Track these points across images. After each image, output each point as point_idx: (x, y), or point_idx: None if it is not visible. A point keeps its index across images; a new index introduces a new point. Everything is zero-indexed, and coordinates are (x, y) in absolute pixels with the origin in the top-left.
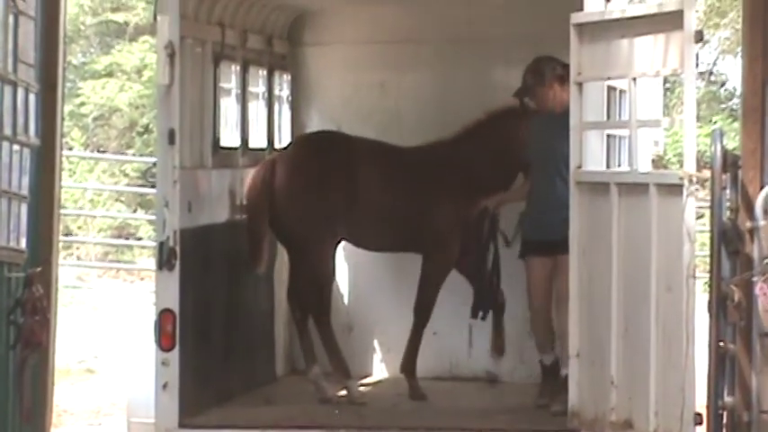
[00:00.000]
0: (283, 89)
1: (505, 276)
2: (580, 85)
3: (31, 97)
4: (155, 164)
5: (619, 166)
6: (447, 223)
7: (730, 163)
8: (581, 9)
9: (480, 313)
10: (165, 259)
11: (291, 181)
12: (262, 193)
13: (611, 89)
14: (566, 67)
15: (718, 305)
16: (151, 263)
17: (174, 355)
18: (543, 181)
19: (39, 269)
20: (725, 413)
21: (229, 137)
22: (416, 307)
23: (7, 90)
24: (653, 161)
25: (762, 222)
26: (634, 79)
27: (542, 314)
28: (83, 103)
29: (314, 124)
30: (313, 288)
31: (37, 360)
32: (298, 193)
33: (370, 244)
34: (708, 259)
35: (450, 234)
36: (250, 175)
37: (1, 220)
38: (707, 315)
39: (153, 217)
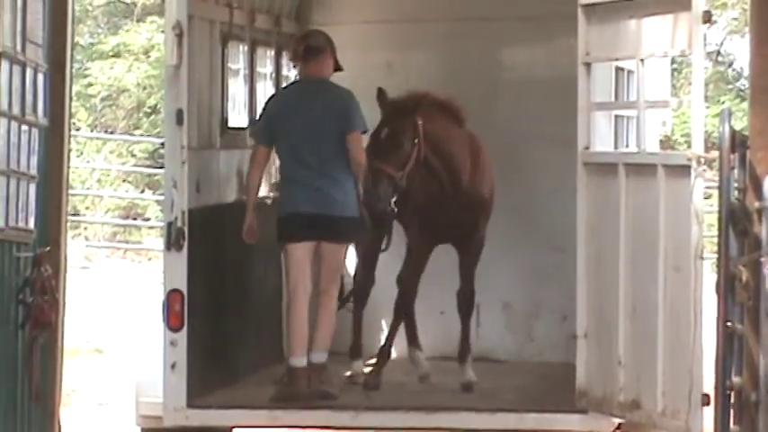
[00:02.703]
0: (291, 69)
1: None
2: (588, 65)
3: (40, 77)
4: (162, 144)
5: (627, 146)
6: None
7: (738, 143)
8: None
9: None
10: (173, 239)
11: None
12: None
13: (618, 70)
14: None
15: (726, 285)
16: (159, 243)
17: (183, 335)
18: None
19: (47, 249)
20: (732, 393)
21: (237, 117)
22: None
23: (16, 70)
24: (661, 142)
25: None
26: (642, 60)
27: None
28: (90, 84)
29: None
30: None
31: (46, 340)
32: None
33: None
34: (716, 240)
35: None
36: None
37: (10, 199)
38: (715, 295)
39: (161, 197)
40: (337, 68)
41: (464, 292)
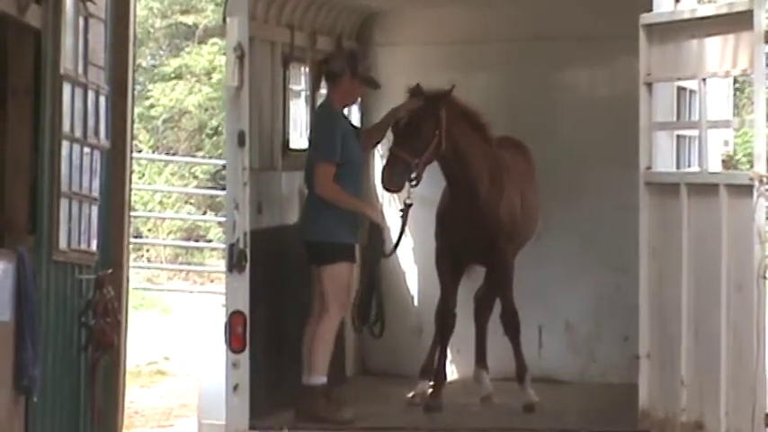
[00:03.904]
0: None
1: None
2: (649, 85)
3: (102, 99)
4: (224, 166)
5: (689, 166)
6: None
7: None
8: (650, 9)
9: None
10: (235, 261)
11: None
12: None
13: (680, 89)
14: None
15: None
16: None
17: (245, 357)
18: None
19: (110, 271)
20: None
21: (299, 139)
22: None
23: (78, 92)
24: (723, 161)
25: None
26: (704, 79)
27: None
28: (152, 106)
29: None
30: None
31: (108, 362)
32: None
33: None
34: None
35: None
36: None
37: (72, 222)
38: None
39: (223, 219)
40: (370, 85)
41: (505, 313)
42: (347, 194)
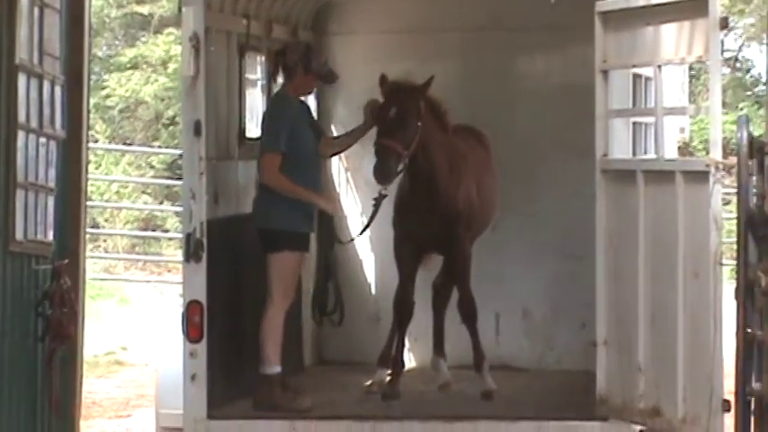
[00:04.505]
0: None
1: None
2: (605, 72)
3: (57, 90)
4: (181, 155)
5: (645, 153)
6: None
7: (756, 149)
8: None
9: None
10: (192, 251)
11: None
12: None
13: (636, 77)
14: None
15: (746, 291)
16: (178, 254)
17: (202, 347)
18: None
19: (66, 261)
20: (753, 399)
21: (255, 128)
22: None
23: (33, 83)
24: (679, 148)
25: None
26: (659, 67)
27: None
28: (108, 96)
29: (339, 113)
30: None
31: (65, 352)
32: None
33: None
34: (735, 246)
35: None
36: None
37: (28, 212)
38: (734, 301)
39: (179, 209)
40: (325, 80)
41: (462, 302)
42: (291, 183)
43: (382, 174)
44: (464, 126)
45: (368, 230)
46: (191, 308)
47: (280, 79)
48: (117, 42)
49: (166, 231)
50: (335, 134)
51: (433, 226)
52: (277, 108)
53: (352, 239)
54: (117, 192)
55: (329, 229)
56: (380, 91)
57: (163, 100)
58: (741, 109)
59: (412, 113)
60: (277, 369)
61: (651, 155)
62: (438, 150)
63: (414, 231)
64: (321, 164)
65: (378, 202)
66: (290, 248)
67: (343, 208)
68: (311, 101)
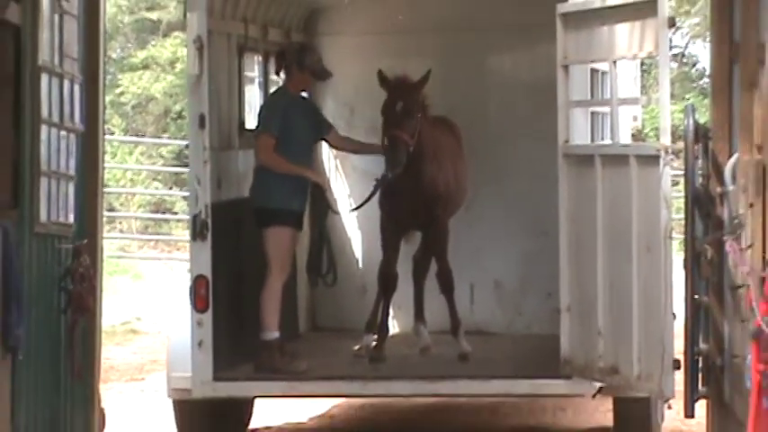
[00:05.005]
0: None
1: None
2: (566, 67)
3: (76, 88)
4: (187, 146)
5: (602, 140)
6: None
7: (701, 135)
8: (565, 0)
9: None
10: (198, 230)
11: None
12: None
13: (593, 71)
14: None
15: (693, 262)
16: (186, 234)
17: (208, 316)
18: None
19: (85, 241)
20: (700, 358)
21: (253, 120)
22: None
23: (54, 82)
24: (632, 135)
25: (730, 187)
26: (614, 62)
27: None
28: (122, 93)
29: (329, 107)
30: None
31: (85, 323)
32: None
33: None
34: (683, 222)
35: None
36: None
37: (51, 198)
38: (683, 271)
39: (187, 193)
40: (318, 77)
41: (440, 273)
42: (285, 161)
43: (394, 162)
44: (439, 117)
45: (355, 212)
46: (197, 282)
47: (272, 76)
48: (129, 45)
49: (175, 214)
50: None
51: (416, 206)
52: (271, 100)
53: (356, 208)
54: (131, 179)
55: (320, 198)
56: (380, 85)
57: (171, 96)
58: (688, 99)
59: (415, 106)
60: (275, 335)
61: (608, 141)
62: (424, 140)
63: (399, 211)
64: (313, 149)
65: (379, 183)
66: (284, 224)
67: (332, 187)
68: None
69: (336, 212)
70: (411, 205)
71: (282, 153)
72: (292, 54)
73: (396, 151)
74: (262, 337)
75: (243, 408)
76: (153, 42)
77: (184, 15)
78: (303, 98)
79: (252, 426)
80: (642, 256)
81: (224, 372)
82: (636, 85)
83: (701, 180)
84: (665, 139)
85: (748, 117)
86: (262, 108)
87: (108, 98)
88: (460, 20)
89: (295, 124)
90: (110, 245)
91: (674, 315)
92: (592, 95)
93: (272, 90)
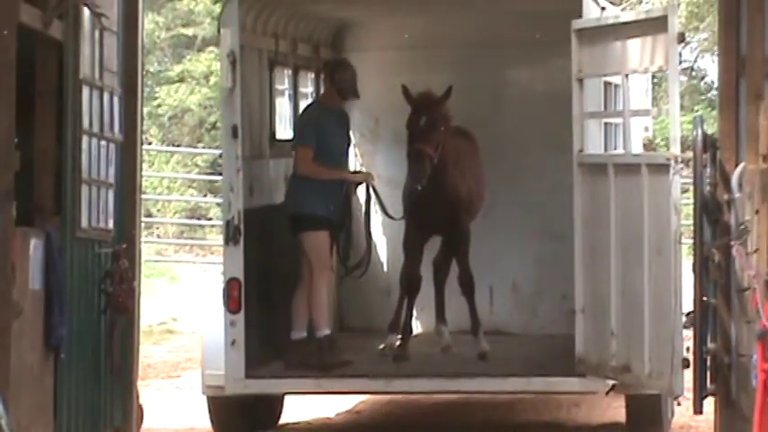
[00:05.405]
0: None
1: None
2: (581, 81)
3: (115, 100)
4: (221, 155)
5: (615, 149)
6: None
7: (709, 145)
8: (580, 16)
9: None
10: (231, 235)
11: None
12: None
13: (607, 84)
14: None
15: (702, 266)
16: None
17: (241, 317)
18: None
19: (124, 245)
20: (709, 357)
21: (283, 131)
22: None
23: (95, 94)
24: (644, 145)
25: (737, 194)
26: (626, 75)
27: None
28: (159, 105)
29: (355, 118)
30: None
31: (124, 323)
32: None
33: None
34: (692, 227)
35: None
36: None
37: (92, 204)
38: (692, 274)
39: (220, 200)
40: (344, 95)
41: (462, 276)
42: (324, 168)
43: (420, 174)
44: (457, 127)
45: (379, 217)
46: (230, 284)
47: (301, 88)
48: (166, 59)
49: (209, 219)
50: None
51: (440, 212)
52: (305, 113)
53: (401, 218)
54: (167, 186)
55: (372, 203)
56: (405, 99)
57: (205, 108)
58: (696, 111)
59: (439, 121)
60: (327, 332)
61: (620, 150)
62: (447, 149)
63: (424, 217)
64: (347, 158)
65: (412, 195)
66: (318, 228)
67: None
68: None
69: (391, 217)
70: (435, 211)
71: (320, 162)
72: (328, 69)
73: (421, 164)
74: (315, 335)
75: (273, 404)
76: (188, 57)
77: (218, 31)
78: (337, 109)
79: (282, 421)
80: (653, 259)
81: (255, 369)
82: (647, 98)
83: (709, 188)
84: (675, 149)
85: (754, 128)
86: (297, 123)
87: (146, 110)
88: (479, 36)
89: (330, 133)
90: (147, 249)
91: (684, 315)
92: (605, 107)
93: (301, 102)
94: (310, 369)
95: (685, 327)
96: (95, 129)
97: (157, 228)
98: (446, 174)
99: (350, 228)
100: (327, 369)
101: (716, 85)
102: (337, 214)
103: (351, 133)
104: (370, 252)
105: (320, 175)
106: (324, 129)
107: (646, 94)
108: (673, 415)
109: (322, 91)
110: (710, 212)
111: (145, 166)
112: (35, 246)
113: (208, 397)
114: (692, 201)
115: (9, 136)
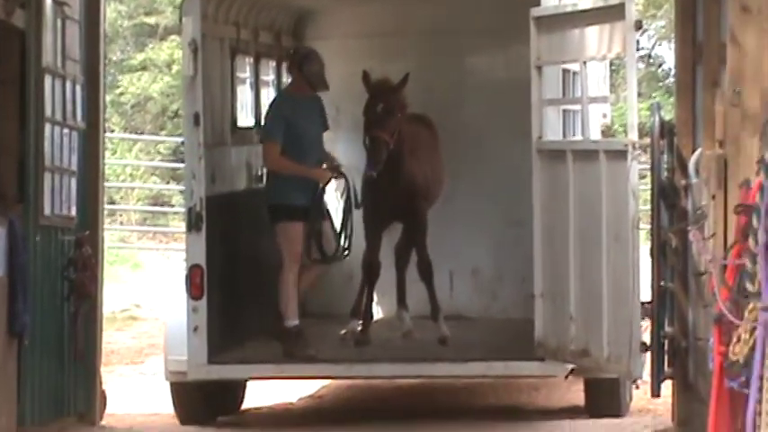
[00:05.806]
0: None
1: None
2: (539, 68)
3: (78, 88)
4: (183, 143)
5: (573, 135)
6: None
7: (667, 131)
8: (538, 4)
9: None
10: (193, 222)
11: None
12: None
13: (565, 71)
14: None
15: (659, 250)
16: (182, 226)
17: (203, 303)
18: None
19: (87, 233)
20: (666, 341)
21: (245, 118)
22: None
23: (57, 82)
24: (602, 131)
25: (694, 180)
26: (584, 62)
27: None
28: (122, 93)
29: None
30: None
31: (87, 309)
32: None
33: None
34: (650, 212)
35: None
36: None
37: (55, 191)
38: (649, 259)
39: (183, 187)
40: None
41: (420, 264)
42: (290, 163)
43: (376, 161)
44: (416, 114)
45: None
46: (192, 270)
47: (262, 76)
48: (128, 48)
49: (172, 207)
50: None
51: (398, 200)
52: (273, 107)
53: (359, 206)
54: (130, 174)
55: (349, 196)
56: (364, 86)
57: (168, 96)
58: (654, 97)
59: (395, 107)
60: (296, 322)
61: (579, 137)
62: (404, 136)
63: (381, 204)
64: (321, 147)
65: (367, 182)
66: (292, 219)
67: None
68: None
69: (358, 208)
70: (392, 198)
71: (291, 153)
72: (296, 58)
73: (377, 150)
74: (284, 324)
75: (236, 389)
76: (151, 45)
77: (180, 20)
78: (308, 96)
79: (244, 406)
80: (611, 245)
81: (218, 355)
82: (605, 85)
83: (666, 173)
84: (633, 135)
85: (711, 114)
86: (265, 116)
87: (108, 98)
88: (440, 23)
89: (300, 124)
90: (110, 236)
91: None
92: (564, 94)
93: (262, 90)
94: (296, 357)
95: (642, 318)
96: (58, 117)
97: (120, 215)
98: (402, 160)
99: (329, 216)
100: (293, 359)
101: (673, 72)
102: (315, 203)
103: (324, 122)
104: (350, 238)
105: (286, 171)
106: (293, 120)
107: (604, 81)
108: (631, 398)
109: (289, 80)
110: (668, 198)
111: (107, 153)
112: None
113: (171, 383)
114: (649, 186)
115: None
